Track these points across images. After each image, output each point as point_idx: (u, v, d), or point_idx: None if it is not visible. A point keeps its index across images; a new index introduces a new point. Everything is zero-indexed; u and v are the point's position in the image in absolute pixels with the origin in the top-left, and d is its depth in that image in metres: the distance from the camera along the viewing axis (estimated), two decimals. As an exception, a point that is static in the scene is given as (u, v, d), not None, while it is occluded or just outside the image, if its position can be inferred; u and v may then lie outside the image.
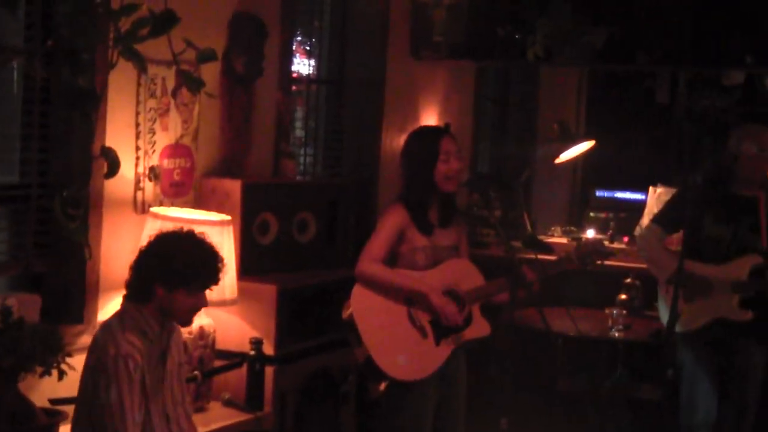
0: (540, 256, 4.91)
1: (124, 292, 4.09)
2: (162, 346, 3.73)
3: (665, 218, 5.43)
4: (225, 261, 3.81)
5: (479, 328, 4.61)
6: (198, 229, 3.87)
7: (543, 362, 6.26)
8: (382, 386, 4.42)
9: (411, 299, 4.46)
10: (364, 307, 4.41)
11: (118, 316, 3.69)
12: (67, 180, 4.20)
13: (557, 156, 7.51)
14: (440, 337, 4.50)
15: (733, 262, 5.17)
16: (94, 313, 4.45)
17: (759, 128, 5.33)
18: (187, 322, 3.82)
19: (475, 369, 4.75)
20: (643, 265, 5.55)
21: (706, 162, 5.67)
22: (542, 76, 9.26)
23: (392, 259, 4.47)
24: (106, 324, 3.68)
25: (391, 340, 4.42)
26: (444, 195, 4.58)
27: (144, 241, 3.88)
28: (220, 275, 3.76)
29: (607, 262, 4.78)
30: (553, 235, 7.56)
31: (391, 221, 4.49)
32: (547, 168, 8.39)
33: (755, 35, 6.64)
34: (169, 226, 4.15)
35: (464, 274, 4.58)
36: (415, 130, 4.84)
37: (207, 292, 3.80)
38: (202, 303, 3.76)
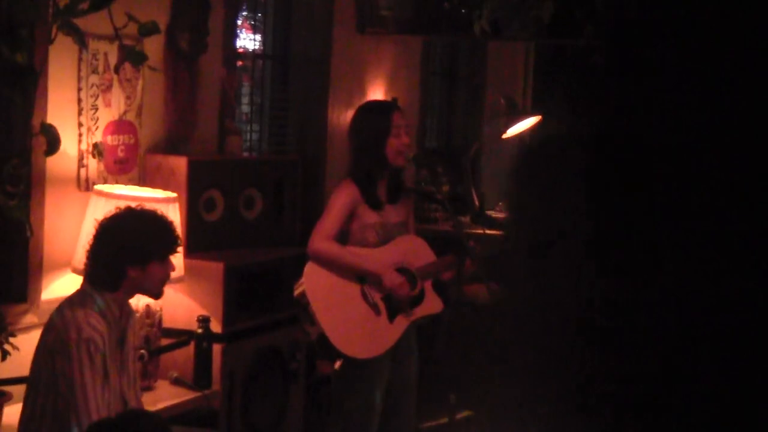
0: (488, 232, 4.91)
1: (70, 271, 4.05)
2: (121, 331, 3.69)
3: None
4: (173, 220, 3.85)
5: (432, 304, 4.60)
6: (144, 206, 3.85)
7: (491, 337, 6.27)
8: (337, 365, 4.40)
9: (364, 277, 4.45)
10: (316, 285, 4.39)
11: (78, 297, 3.63)
12: (7, 158, 4.13)
13: (505, 131, 7.52)
14: (393, 314, 4.49)
15: None
16: (38, 292, 4.39)
17: None
18: (161, 293, 3.82)
19: (424, 344, 4.75)
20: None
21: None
22: (490, 51, 9.26)
23: (343, 236, 4.45)
24: (66, 305, 3.62)
25: (345, 317, 4.40)
26: (393, 170, 4.56)
27: (90, 226, 3.83)
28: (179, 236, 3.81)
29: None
30: (501, 210, 7.58)
31: (342, 198, 4.46)
32: (494, 143, 8.40)
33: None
34: (113, 204, 4.10)
35: (415, 251, 4.57)
36: (363, 105, 4.81)
37: None
38: (172, 268, 3.78)
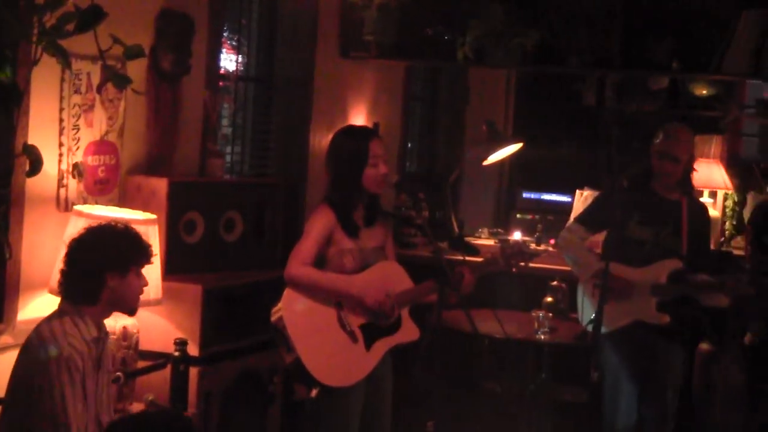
0: (466, 258, 4.90)
1: (47, 292, 4.03)
2: (98, 353, 3.69)
3: (588, 218, 5.47)
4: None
5: (408, 332, 4.59)
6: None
7: (469, 364, 6.28)
8: (313, 393, 4.37)
9: (341, 303, 4.43)
10: (294, 312, 4.36)
11: (57, 317, 3.64)
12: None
13: (485, 157, 7.53)
14: (370, 341, 4.47)
15: (653, 265, 5.22)
16: (14, 312, 4.36)
17: (675, 123, 5.42)
18: (137, 307, 3.84)
19: (402, 371, 4.74)
20: (569, 268, 5.58)
21: (633, 165, 5.72)
22: (472, 77, 9.30)
23: (320, 262, 4.42)
24: (44, 324, 3.63)
25: (322, 345, 4.37)
26: (370, 196, 4.55)
27: (65, 245, 3.83)
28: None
29: (533, 265, 4.79)
30: (480, 237, 7.59)
31: (319, 223, 4.44)
32: (475, 169, 8.42)
33: (682, 40, 6.71)
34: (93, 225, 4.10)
35: (393, 278, 4.55)
36: (342, 130, 4.76)
37: None
38: (145, 282, 3.83)
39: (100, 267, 3.67)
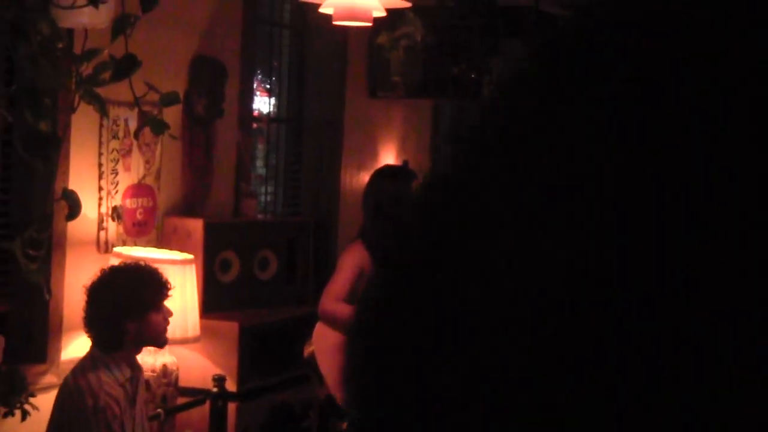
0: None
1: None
2: (133, 390, 3.76)
3: None
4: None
5: None
6: (160, 268, 3.93)
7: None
8: (345, 425, 4.43)
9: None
10: (325, 346, 4.44)
11: (89, 363, 3.68)
12: (29, 222, 4.23)
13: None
14: None
15: None
16: (57, 352, 4.48)
17: None
18: (165, 340, 3.86)
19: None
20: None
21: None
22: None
23: (351, 300, 4.49)
24: (78, 371, 3.67)
25: None
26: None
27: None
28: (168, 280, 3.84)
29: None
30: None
31: (352, 260, 4.51)
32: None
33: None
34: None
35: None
36: (386, 171, 4.84)
37: (170, 330, 3.86)
38: (170, 313, 3.84)
39: (116, 316, 3.68)
